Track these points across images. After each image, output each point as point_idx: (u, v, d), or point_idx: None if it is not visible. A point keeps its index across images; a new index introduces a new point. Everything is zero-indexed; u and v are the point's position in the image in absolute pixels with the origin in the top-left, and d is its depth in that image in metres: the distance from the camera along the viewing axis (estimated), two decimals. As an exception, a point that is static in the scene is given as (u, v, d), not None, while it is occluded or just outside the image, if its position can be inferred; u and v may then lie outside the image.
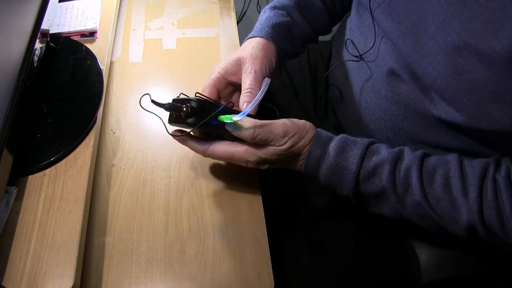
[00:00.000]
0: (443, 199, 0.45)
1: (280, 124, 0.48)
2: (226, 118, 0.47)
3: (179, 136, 0.51)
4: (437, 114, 0.49)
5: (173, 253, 0.50)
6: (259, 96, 0.49)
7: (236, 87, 0.57)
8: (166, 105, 0.45)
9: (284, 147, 0.48)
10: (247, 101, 0.51)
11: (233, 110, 0.50)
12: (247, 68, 0.54)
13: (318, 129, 0.51)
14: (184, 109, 0.45)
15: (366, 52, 0.58)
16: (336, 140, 0.49)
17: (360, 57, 0.60)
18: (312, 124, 0.51)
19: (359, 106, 0.62)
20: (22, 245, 0.47)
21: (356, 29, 0.62)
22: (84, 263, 0.49)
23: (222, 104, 0.48)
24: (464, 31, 0.43)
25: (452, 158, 0.48)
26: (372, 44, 0.57)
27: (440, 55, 0.45)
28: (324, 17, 0.69)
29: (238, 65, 0.55)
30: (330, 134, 0.51)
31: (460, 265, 0.58)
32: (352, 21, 0.65)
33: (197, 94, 0.50)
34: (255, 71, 0.53)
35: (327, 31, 0.72)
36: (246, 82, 0.53)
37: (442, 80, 0.46)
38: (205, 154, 0.51)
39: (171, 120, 0.48)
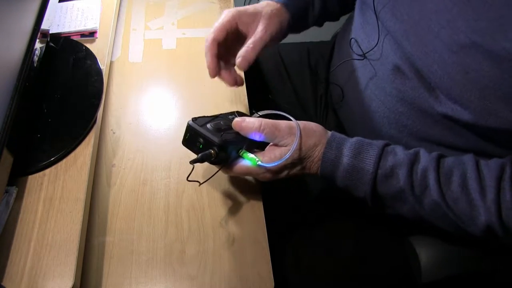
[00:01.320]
0: (460, 199, 0.45)
1: (285, 122, 0.50)
2: (251, 160, 0.50)
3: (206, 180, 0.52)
4: (443, 111, 0.49)
5: (173, 253, 0.50)
6: (294, 146, 0.49)
7: (238, 37, 0.58)
8: (199, 158, 0.46)
9: (293, 145, 0.48)
10: (241, 55, 0.54)
11: (251, 142, 0.51)
12: (260, 25, 0.56)
13: (332, 132, 0.51)
14: (213, 152, 0.47)
15: (370, 50, 0.59)
16: (350, 142, 0.50)
17: (363, 56, 0.60)
18: (323, 128, 0.52)
19: (362, 104, 0.62)
20: (22, 245, 0.47)
21: (360, 27, 0.63)
22: (84, 263, 0.49)
23: (243, 140, 0.51)
24: (470, 30, 0.43)
25: (468, 159, 0.48)
26: (376, 42, 0.57)
27: (446, 54, 0.46)
28: (336, 3, 0.70)
29: (253, 16, 0.57)
30: (344, 136, 0.51)
31: (460, 265, 0.58)
32: (356, 21, 0.65)
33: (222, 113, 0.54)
34: (266, 31, 0.56)
35: (334, 18, 0.73)
36: (256, 35, 0.55)
37: (448, 79, 0.46)
38: (222, 171, 0.51)
39: (196, 161, 0.48)
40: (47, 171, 0.53)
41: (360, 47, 0.62)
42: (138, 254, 0.50)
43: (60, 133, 0.56)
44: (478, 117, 0.46)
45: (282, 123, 0.50)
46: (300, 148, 0.49)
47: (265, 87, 0.81)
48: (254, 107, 0.65)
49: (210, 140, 0.48)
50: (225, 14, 0.57)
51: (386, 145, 0.50)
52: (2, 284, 0.44)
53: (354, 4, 0.71)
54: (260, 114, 0.56)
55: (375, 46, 0.58)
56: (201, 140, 0.48)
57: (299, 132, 0.49)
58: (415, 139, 0.55)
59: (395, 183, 0.47)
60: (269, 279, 0.49)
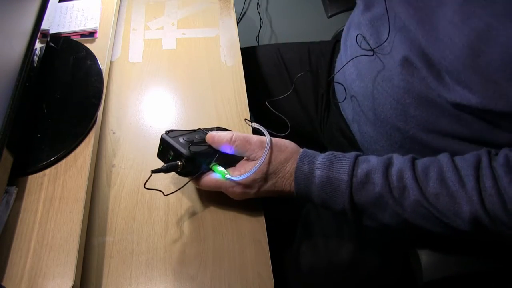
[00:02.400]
0: (441, 194, 0.45)
1: (257, 136, 0.51)
2: (220, 173, 0.50)
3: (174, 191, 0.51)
4: (452, 98, 0.49)
5: (173, 253, 0.50)
6: (262, 160, 0.49)
7: None
8: (164, 169, 0.47)
9: (261, 158, 0.49)
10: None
11: (224, 156, 0.52)
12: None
13: (303, 148, 0.52)
14: (180, 163, 0.48)
15: (380, 45, 0.59)
16: (322, 155, 0.50)
17: (372, 51, 0.61)
18: (296, 145, 0.52)
19: (370, 97, 0.62)
20: (22, 245, 0.47)
21: (368, 23, 0.63)
22: (84, 263, 0.49)
23: (214, 153, 0.51)
24: (485, 14, 0.43)
25: (442, 156, 0.48)
26: (387, 36, 0.57)
27: (459, 38, 0.46)
28: None
29: None
30: (315, 151, 0.52)
31: (461, 264, 0.58)
32: (363, 16, 0.65)
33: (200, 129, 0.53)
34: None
35: None
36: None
37: (459, 63, 0.46)
38: (193, 182, 0.51)
39: (159, 171, 0.48)
40: (47, 171, 0.53)
41: (368, 43, 0.62)
42: (138, 254, 0.50)
43: (60, 133, 0.56)
44: (488, 101, 0.45)
45: (254, 137, 0.51)
46: (269, 162, 0.49)
47: (266, 87, 0.81)
48: (254, 107, 0.65)
49: (178, 152, 0.48)
50: None
51: (358, 155, 0.50)
52: (2, 284, 0.44)
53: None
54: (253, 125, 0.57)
55: (385, 41, 0.58)
56: (171, 152, 0.49)
57: (269, 144, 0.49)
58: (422, 130, 0.55)
59: (372, 189, 0.47)
60: (269, 279, 0.49)
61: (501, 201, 0.43)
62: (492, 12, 0.43)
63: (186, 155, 0.48)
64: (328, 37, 0.88)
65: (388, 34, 0.57)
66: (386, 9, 0.56)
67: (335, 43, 0.81)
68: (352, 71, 0.67)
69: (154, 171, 0.46)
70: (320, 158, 0.50)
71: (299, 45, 0.86)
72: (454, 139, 0.53)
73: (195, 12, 0.78)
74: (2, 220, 0.48)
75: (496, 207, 0.43)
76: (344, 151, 0.51)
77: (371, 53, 0.61)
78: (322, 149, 0.52)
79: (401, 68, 0.55)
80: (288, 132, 0.56)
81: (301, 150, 0.52)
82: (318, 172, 0.48)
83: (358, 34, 0.65)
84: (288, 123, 0.56)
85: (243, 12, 1.63)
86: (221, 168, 0.50)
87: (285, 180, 0.50)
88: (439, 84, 0.50)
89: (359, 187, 0.47)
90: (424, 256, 0.57)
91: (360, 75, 0.64)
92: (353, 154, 0.50)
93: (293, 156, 0.50)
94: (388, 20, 0.57)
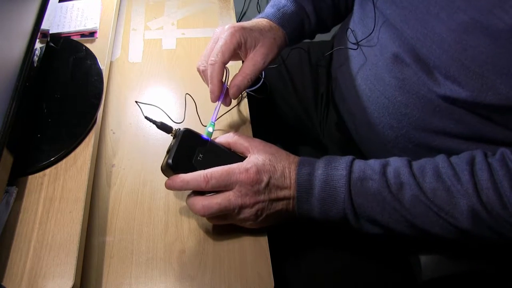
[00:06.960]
0: (438, 189, 0.45)
1: (256, 139, 0.52)
2: (208, 130, 0.53)
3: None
4: (442, 93, 0.50)
5: (173, 253, 0.50)
6: (217, 108, 0.54)
7: (236, 55, 0.57)
8: (158, 123, 0.51)
9: (262, 153, 0.50)
10: (236, 84, 0.54)
11: (213, 146, 0.53)
12: (260, 54, 0.55)
13: (300, 156, 0.52)
14: (174, 131, 0.51)
15: (365, 39, 0.60)
16: (321, 158, 0.51)
17: (357, 44, 0.62)
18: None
19: (363, 95, 0.63)
20: (22, 245, 0.47)
21: (359, 21, 0.64)
22: (84, 263, 0.49)
23: (203, 135, 0.52)
24: (469, 7, 0.44)
25: (437, 156, 0.49)
26: (371, 30, 0.58)
27: (445, 33, 0.47)
28: (330, 14, 0.71)
29: (257, 40, 0.55)
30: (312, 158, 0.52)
31: (460, 263, 0.58)
32: (355, 15, 0.66)
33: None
34: (264, 62, 0.55)
35: (326, 30, 0.74)
36: (256, 66, 0.55)
37: (447, 58, 0.47)
38: (205, 180, 0.47)
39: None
40: (47, 171, 0.53)
41: (355, 37, 0.63)
42: (138, 254, 0.50)
43: (60, 133, 0.56)
44: (477, 94, 0.46)
45: (255, 139, 0.52)
46: (271, 157, 0.49)
47: (265, 87, 0.81)
48: (254, 106, 0.65)
49: (169, 127, 0.52)
50: (232, 34, 0.53)
51: (355, 157, 0.51)
52: (2, 284, 0.44)
53: (346, 13, 0.74)
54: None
55: (369, 34, 0.59)
56: (172, 128, 0.52)
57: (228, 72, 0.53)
58: (414, 128, 0.56)
59: (370, 185, 0.47)
60: (269, 279, 0.49)
61: (497, 194, 0.43)
62: (475, 6, 0.43)
63: (179, 126, 0.51)
64: (328, 37, 0.88)
65: (373, 29, 0.58)
66: (374, 5, 0.57)
67: (334, 43, 0.81)
68: (347, 71, 0.67)
69: (147, 118, 0.50)
70: (319, 160, 0.51)
71: (299, 44, 0.86)
72: (447, 137, 0.54)
73: (195, 12, 0.78)
74: (2, 220, 0.48)
75: (492, 200, 0.43)
76: (342, 149, 0.51)
77: (356, 46, 0.62)
78: (321, 148, 0.53)
79: (392, 66, 0.55)
80: (267, 93, 0.59)
81: (298, 157, 0.52)
82: (319, 171, 0.49)
83: (347, 28, 0.66)
84: (268, 85, 0.58)
85: (243, 12, 1.63)
86: (207, 131, 0.53)
87: (289, 179, 0.49)
88: (429, 79, 0.51)
89: (357, 183, 0.48)
90: (424, 255, 0.57)
91: (353, 73, 0.65)
92: (350, 156, 0.51)
93: (294, 160, 0.51)
94: (375, 18, 0.58)
